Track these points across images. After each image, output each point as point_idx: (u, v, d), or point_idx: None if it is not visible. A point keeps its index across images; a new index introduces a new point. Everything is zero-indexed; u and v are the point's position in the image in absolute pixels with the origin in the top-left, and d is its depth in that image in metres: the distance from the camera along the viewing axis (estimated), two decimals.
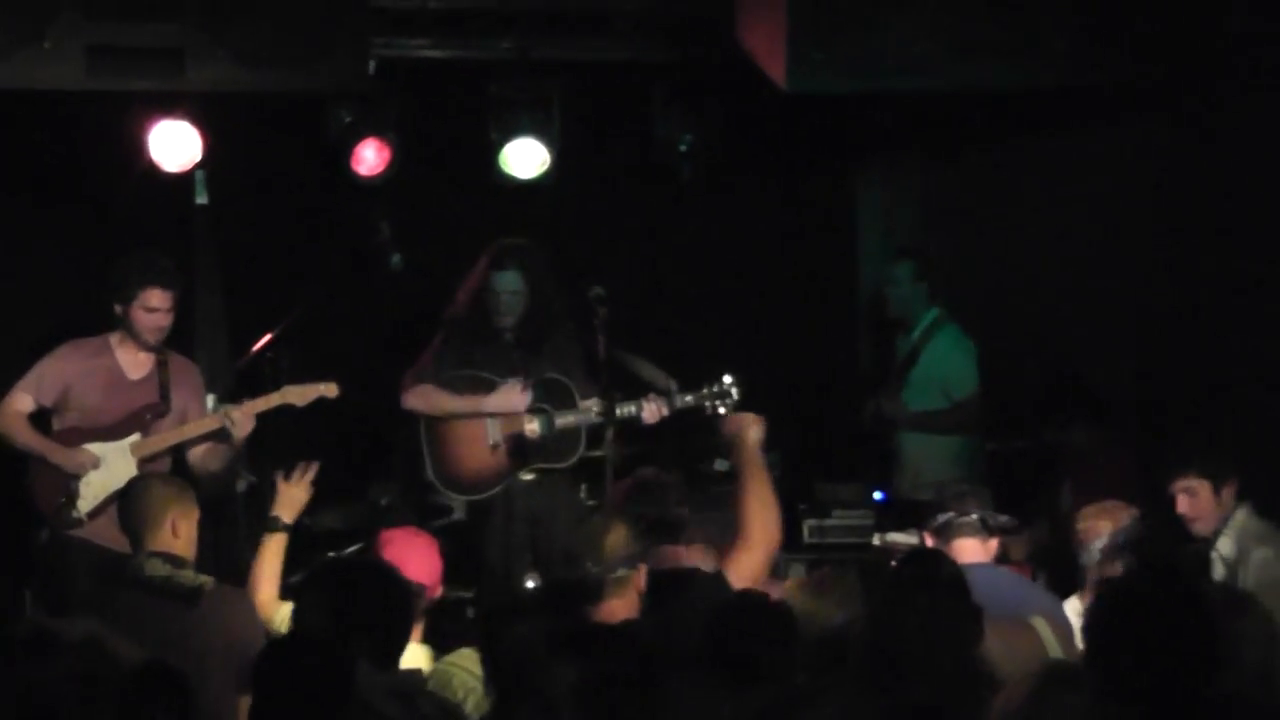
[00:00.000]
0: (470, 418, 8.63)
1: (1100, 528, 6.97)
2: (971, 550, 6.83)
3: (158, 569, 6.37)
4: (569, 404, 8.61)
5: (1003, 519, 7.02)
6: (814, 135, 10.27)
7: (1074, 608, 6.91)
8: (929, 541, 6.98)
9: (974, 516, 6.88)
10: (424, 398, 8.63)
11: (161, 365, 8.31)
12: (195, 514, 6.67)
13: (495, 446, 8.58)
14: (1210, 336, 8.57)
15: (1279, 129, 8.27)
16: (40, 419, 8.29)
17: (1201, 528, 7.41)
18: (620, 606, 5.86)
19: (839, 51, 8.20)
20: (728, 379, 8.64)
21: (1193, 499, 7.42)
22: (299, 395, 8.34)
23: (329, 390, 8.38)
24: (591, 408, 8.51)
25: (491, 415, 8.62)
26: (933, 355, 9.65)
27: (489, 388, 8.62)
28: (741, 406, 8.56)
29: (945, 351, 9.64)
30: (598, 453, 8.46)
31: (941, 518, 6.94)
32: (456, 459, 8.60)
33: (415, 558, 6.53)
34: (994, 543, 6.92)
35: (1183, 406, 8.68)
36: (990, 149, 10.05)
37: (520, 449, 8.57)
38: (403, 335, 10.32)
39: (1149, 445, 8.65)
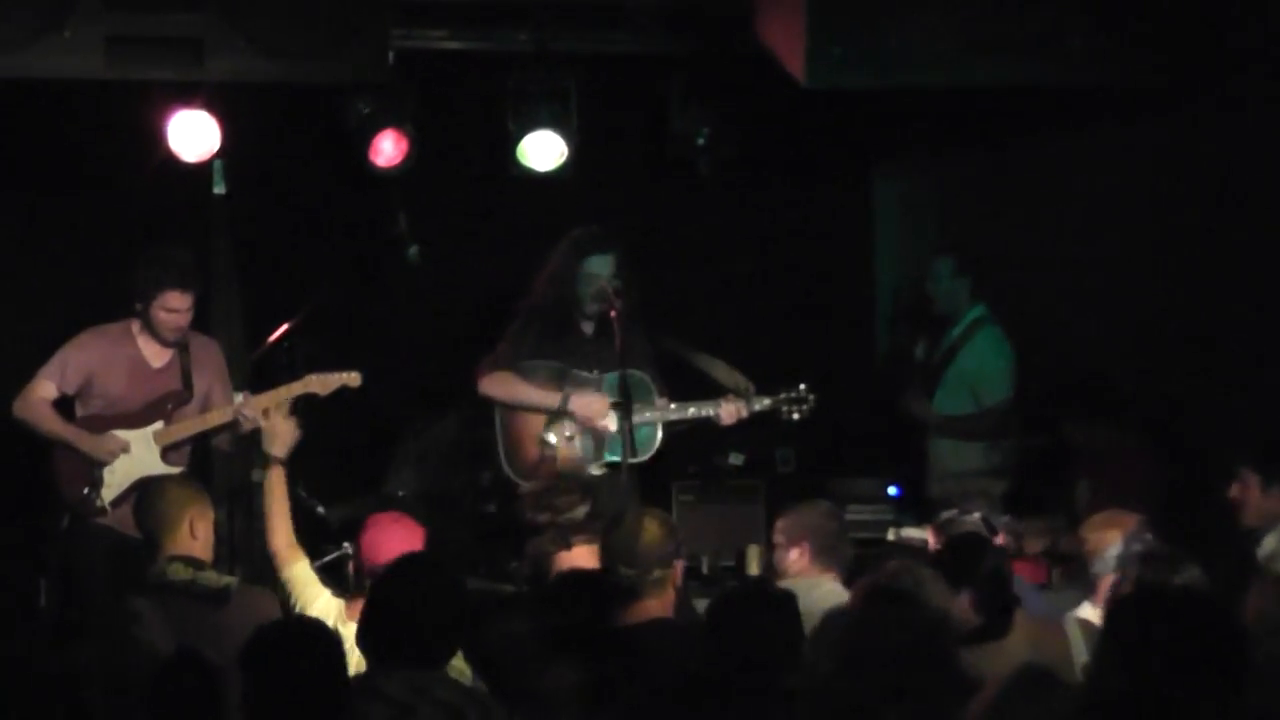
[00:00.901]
0: (547, 412, 8.58)
1: (1110, 538, 6.84)
2: None
3: (180, 573, 6.39)
4: (648, 400, 8.56)
5: (1004, 519, 7.02)
6: (832, 130, 10.26)
7: (1085, 615, 6.88)
8: (932, 538, 6.99)
9: (976, 516, 6.90)
10: (503, 385, 8.55)
11: (183, 350, 8.34)
12: (211, 515, 6.69)
13: (570, 439, 8.52)
14: (1230, 335, 8.56)
15: None
16: (61, 405, 8.31)
17: (1247, 519, 7.39)
18: (655, 606, 5.87)
19: (858, 47, 8.19)
20: (803, 386, 8.69)
21: (1242, 487, 7.42)
22: (321, 384, 8.33)
23: (352, 379, 8.37)
24: (669, 405, 8.51)
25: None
26: (968, 355, 9.57)
27: (566, 379, 8.55)
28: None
29: (981, 354, 9.56)
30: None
31: (945, 514, 6.97)
32: (525, 449, 8.52)
33: (395, 541, 6.51)
34: (996, 543, 6.91)
35: (1201, 403, 8.67)
36: (1008, 146, 10.03)
37: (595, 443, 8.53)
38: (419, 327, 10.35)
39: (1166, 443, 8.65)
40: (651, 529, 6.03)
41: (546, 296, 8.60)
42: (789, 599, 5.45)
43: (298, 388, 8.32)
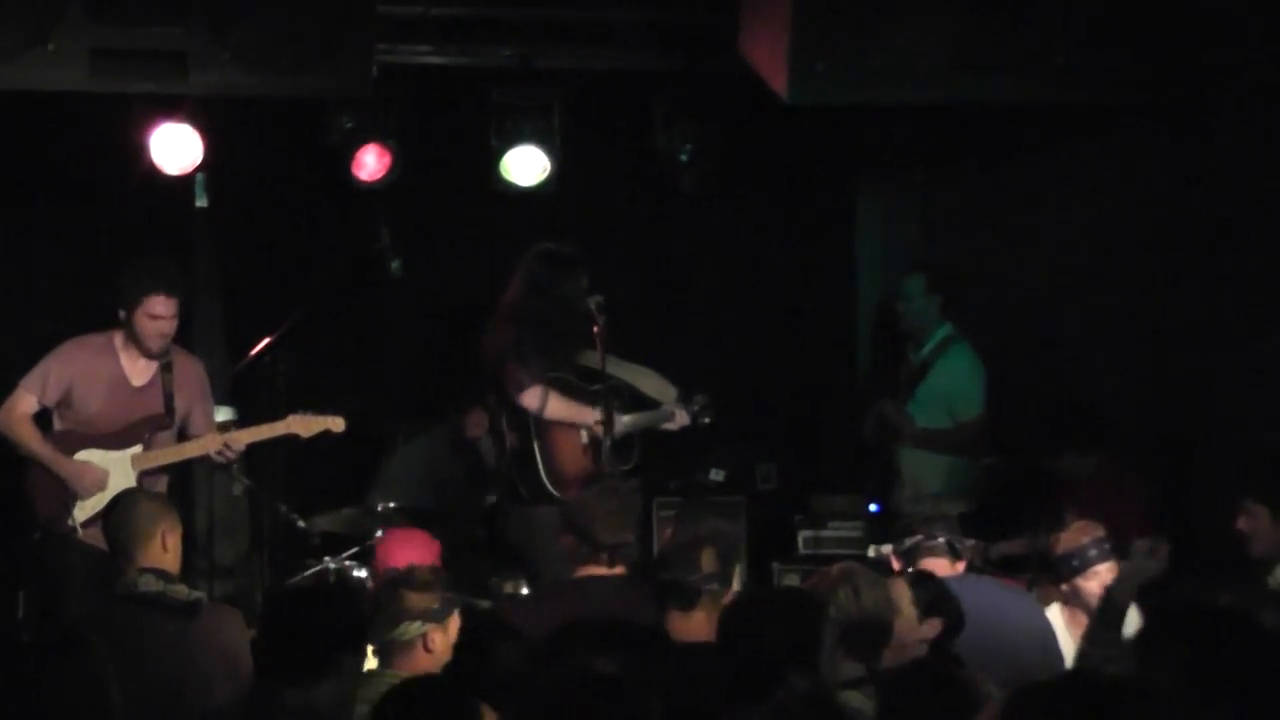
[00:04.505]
0: (576, 426, 8.62)
1: (1081, 540, 7.00)
2: (939, 569, 6.87)
3: (151, 584, 6.38)
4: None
5: (970, 543, 7.07)
6: (815, 147, 10.28)
7: (1054, 617, 7.00)
8: (895, 563, 7.01)
9: (941, 541, 6.92)
10: (541, 399, 8.50)
11: (165, 369, 8.28)
12: (180, 530, 6.68)
13: (585, 448, 8.57)
14: (1217, 358, 8.56)
15: None
16: (40, 415, 8.26)
17: (1258, 550, 7.45)
18: (704, 621, 5.90)
19: (841, 63, 8.18)
20: (699, 395, 8.92)
21: (1251, 519, 7.47)
22: (304, 426, 8.29)
23: (335, 425, 8.34)
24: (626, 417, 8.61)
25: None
26: (942, 372, 9.65)
27: (574, 391, 8.58)
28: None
29: (955, 370, 9.64)
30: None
31: (909, 541, 6.98)
32: (562, 461, 8.54)
33: (411, 556, 6.58)
34: (961, 564, 6.95)
35: (1193, 430, 8.67)
36: (991, 163, 10.05)
37: (600, 451, 8.55)
38: (401, 341, 10.34)
39: (1154, 470, 8.64)
40: (708, 549, 6.12)
41: (541, 310, 8.58)
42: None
43: (280, 428, 8.29)
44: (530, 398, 8.47)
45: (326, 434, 8.34)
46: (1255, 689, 4.21)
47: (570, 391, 8.56)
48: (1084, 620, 6.90)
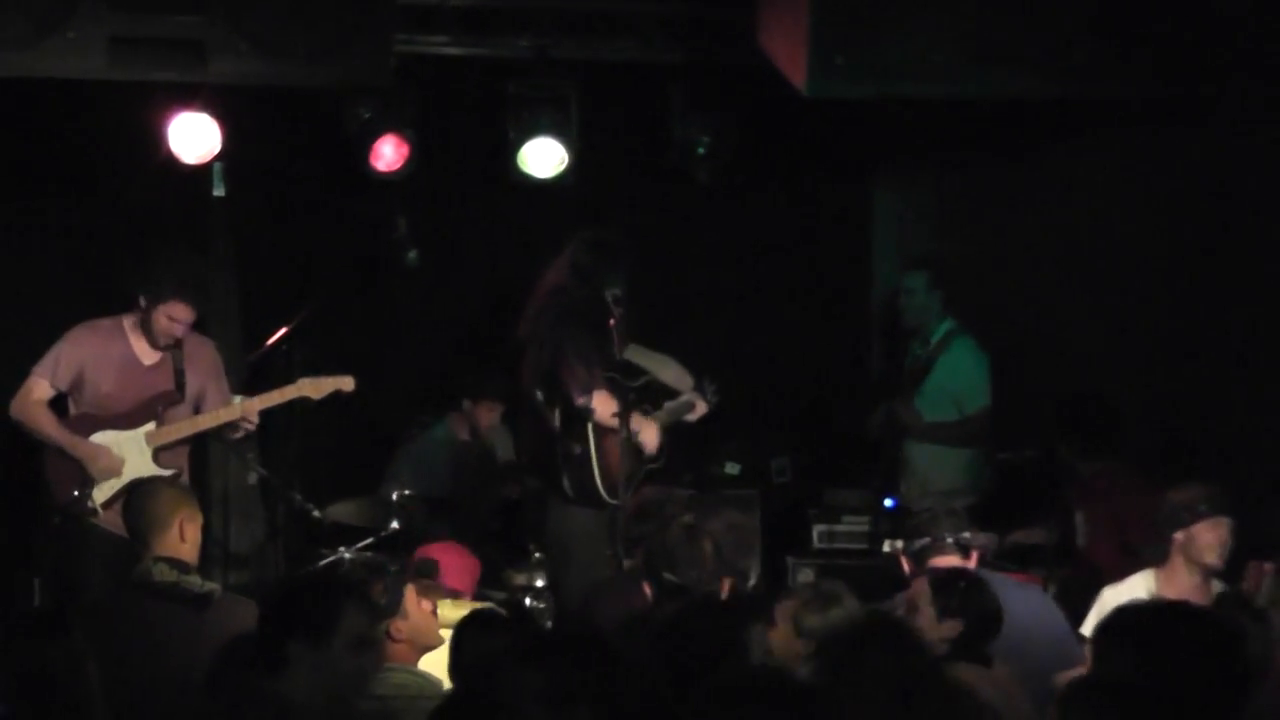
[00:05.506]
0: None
1: (1184, 495, 7.22)
2: (952, 562, 6.89)
3: (165, 574, 6.40)
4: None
5: (980, 538, 7.09)
6: (832, 140, 10.27)
7: (1146, 584, 7.14)
8: (906, 566, 7.03)
9: (949, 541, 6.95)
10: (604, 401, 8.36)
11: (175, 346, 8.29)
12: (200, 519, 6.70)
13: (628, 450, 8.50)
14: (1230, 354, 8.55)
15: None
16: (57, 401, 8.29)
17: None
18: None
19: (859, 56, 8.18)
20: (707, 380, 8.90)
21: None
22: (314, 388, 8.31)
23: (345, 384, 8.35)
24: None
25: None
26: (946, 366, 9.65)
27: (622, 391, 8.49)
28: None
29: (959, 364, 9.64)
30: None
31: (918, 543, 7.00)
32: (612, 463, 8.41)
33: (451, 569, 6.70)
34: (972, 561, 6.98)
35: (1198, 425, 8.66)
36: (1007, 158, 10.04)
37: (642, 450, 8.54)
38: (417, 331, 10.35)
39: (1161, 468, 8.63)
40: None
41: (589, 301, 8.47)
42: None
43: (291, 391, 8.31)
44: (595, 400, 8.35)
45: (340, 419, 8.36)
46: (1205, 680, 4.27)
47: (620, 392, 8.43)
48: (1183, 584, 7.04)
